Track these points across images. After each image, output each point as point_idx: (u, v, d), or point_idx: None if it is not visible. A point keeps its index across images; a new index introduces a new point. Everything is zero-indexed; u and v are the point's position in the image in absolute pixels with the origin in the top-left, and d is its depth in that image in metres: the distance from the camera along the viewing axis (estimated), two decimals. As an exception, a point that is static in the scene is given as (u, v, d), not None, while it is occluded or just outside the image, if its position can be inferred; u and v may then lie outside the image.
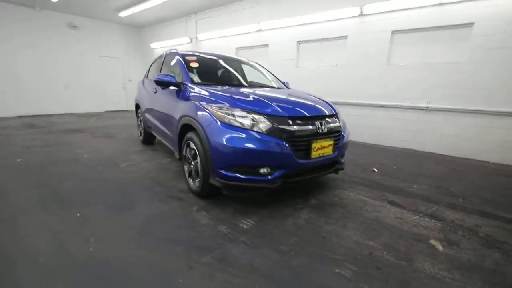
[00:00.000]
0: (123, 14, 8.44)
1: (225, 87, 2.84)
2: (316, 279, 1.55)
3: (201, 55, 3.49)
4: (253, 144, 2.06)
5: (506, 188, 3.16)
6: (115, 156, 3.97)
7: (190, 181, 2.67)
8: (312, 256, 1.76)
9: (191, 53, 3.45)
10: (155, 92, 3.59)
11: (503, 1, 3.86)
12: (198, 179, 2.47)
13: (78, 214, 2.19)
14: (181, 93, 2.83)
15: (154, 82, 3.59)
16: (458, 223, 2.28)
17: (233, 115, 2.14)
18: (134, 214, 2.21)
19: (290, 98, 2.59)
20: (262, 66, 4.04)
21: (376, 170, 3.65)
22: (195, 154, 2.48)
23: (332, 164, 2.61)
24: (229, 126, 2.11)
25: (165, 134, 3.33)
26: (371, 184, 3.11)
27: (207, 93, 2.46)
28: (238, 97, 2.35)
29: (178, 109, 2.77)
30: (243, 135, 2.07)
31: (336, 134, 2.51)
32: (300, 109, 2.34)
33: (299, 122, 2.23)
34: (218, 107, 2.22)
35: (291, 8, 6.13)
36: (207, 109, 2.27)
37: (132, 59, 10.74)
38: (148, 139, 4.66)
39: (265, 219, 2.22)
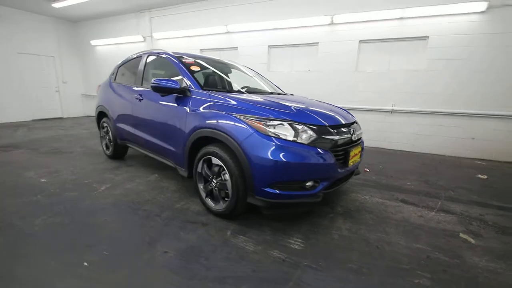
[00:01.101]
0: (58, 4, 7.06)
1: (244, 94, 2.59)
2: (406, 295, 1.49)
3: (191, 57, 3.09)
4: (301, 157, 1.89)
5: (472, 178, 3.71)
6: (84, 177, 3.22)
7: (210, 201, 2.33)
8: (384, 270, 1.69)
9: (185, 54, 3.04)
10: (141, 100, 3.05)
11: (452, 18, 4.58)
12: (227, 199, 2.16)
13: (85, 264, 1.65)
14: (189, 101, 2.44)
15: (140, 89, 3.09)
16: (466, 214, 2.55)
17: (275, 126, 1.93)
18: (162, 252, 1.79)
19: (314, 105, 2.49)
20: (253, 70, 3.86)
21: (368, 170, 3.86)
22: (220, 171, 2.16)
23: (353, 170, 2.62)
24: (273, 139, 1.89)
25: (160, 148, 2.85)
26: (374, 185, 3.26)
27: (234, 102, 2.17)
28: (272, 106, 2.13)
29: (188, 120, 2.38)
30: (291, 148, 1.89)
31: (360, 141, 2.53)
32: (336, 117, 2.27)
33: (338, 130, 2.16)
34: (255, 117, 1.97)
35: (262, 13, 6.08)
36: (241, 119, 2.00)
37: (67, 58, 9.10)
38: (119, 153, 3.96)
39: (310, 236, 2.07)
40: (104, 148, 4.15)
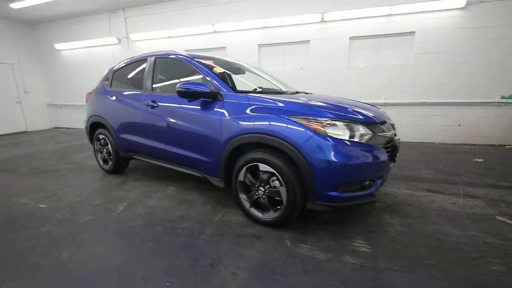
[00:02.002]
0: (17, 5, 6.20)
1: (282, 95, 2.47)
2: (494, 281, 1.51)
3: (203, 58, 2.86)
4: (364, 156, 1.84)
5: (471, 161, 3.99)
6: (90, 197, 2.85)
7: (256, 211, 2.18)
8: (459, 262, 1.71)
9: (200, 56, 2.82)
10: (155, 107, 2.76)
11: (436, 14, 4.88)
12: (279, 207, 2.03)
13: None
14: (222, 106, 2.25)
15: (152, 94, 2.80)
16: (489, 197, 2.71)
17: (332, 127, 1.85)
18: (231, 273, 1.62)
19: (352, 104, 2.45)
20: (262, 71, 3.74)
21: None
22: (269, 179, 2.03)
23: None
24: (335, 140, 1.81)
25: (184, 159, 2.60)
26: (395, 177, 3.34)
27: (281, 104, 2.04)
28: (320, 106, 2.04)
29: (225, 126, 2.20)
30: (352, 148, 1.82)
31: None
32: (379, 114, 2.25)
33: (386, 127, 2.15)
34: (312, 119, 1.87)
35: (250, 11, 5.95)
36: (296, 122, 1.88)
37: (28, 64, 8.09)
38: (121, 167, 3.58)
39: (369, 236, 2.03)
40: (101, 163, 3.72)
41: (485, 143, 5.06)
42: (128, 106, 3.09)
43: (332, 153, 1.78)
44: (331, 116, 1.89)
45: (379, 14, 5.16)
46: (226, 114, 2.20)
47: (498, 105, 4.92)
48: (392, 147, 2.15)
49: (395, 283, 1.52)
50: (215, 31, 6.34)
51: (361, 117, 1.97)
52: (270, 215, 2.10)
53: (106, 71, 3.67)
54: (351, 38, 5.50)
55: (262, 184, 2.09)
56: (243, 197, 2.23)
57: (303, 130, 1.84)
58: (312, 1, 5.50)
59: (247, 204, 2.22)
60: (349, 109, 2.01)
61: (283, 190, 1.96)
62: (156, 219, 2.34)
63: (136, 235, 2.07)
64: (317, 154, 1.79)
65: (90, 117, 3.66)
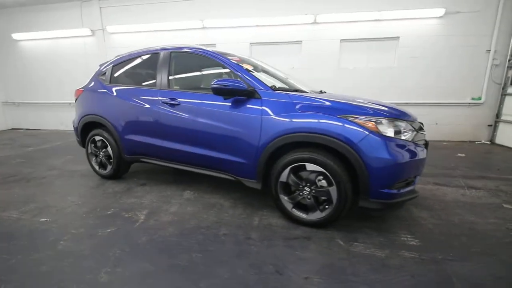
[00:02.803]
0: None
1: (318, 94, 2.45)
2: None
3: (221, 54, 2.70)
4: (413, 154, 1.92)
5: (456, 156, 4.42)
6: (99, 206, 2.52)
7: (298, 212, 2.13)
8: (499, 247, 1.86)
9: (220, 51, 2.67)
10: (176, 105, 2.54)
11: (418, 21, 5.31)
12: (327, 206, 2.01)
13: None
14: (260, 104, 2.16)
15: (171, 91, 2.59)
16: (488, 188, 2.99)
17: (385, 125, 1.89)
18: (303, 278, 1.55)
19: (381, 103, 2.52)
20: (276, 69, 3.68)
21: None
22: (316, 179, 1.99)
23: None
24: (387, 138, 1.85)
25: (213, 161, 2.44)
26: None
27: (328, 102, 2.02)
28: (366, 104, 2.07)
29: (266, 125, 2.10)
30: (404, 146, 1.88)
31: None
32: (411, 113, 2.35)
33: (419, 125, 2.25)
34: (364, 117, 1.88)
35: (242, 8, 5.84)
36: (349, 120, 1.88)
37: (-24, 55, 6.93)
38: (122, 171, 3.25)
39: (410, 229, 2.11)
40: (96, 167, 3.32)
41: (458, 140, 5.65)
42: (137, 104, 2.80)
43: (387, 151, 1.81)
44: (384, 115, 1.93)
45: (368, 18, 5.44)
46: (269, 113, 2.11)
47: (469, 105, 5.52)
48: (425, 144, 2.27)
49: (461, 272, 1.60)
50: (204, 27, 6.10)
51: (408, 116, 2.04)
52: (316, 215, 2.07)
53: (103, 65, 3.30)
54: (342, 40, 5.72)
55: (308, 184, 2.05)
56: (284, 198, 2.16)
57: (358, 128, 1.85)
58: (305, 2, 5.59)
59: (289, 206, 2.16)
60: (395, 108, 2.08)
61: (333, 190, 1.95)
62: (190, 226, 2.16)
63: (177, 246, 1.89)
64: (373, 153, 1.81)
65: (83, 116, 3.25)
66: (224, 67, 2.48)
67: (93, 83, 3.28)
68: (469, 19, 5.12)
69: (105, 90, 3.10)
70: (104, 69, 3.22)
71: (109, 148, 3.12)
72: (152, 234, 2.04)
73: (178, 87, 2.68)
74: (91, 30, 6.58)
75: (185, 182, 3.15)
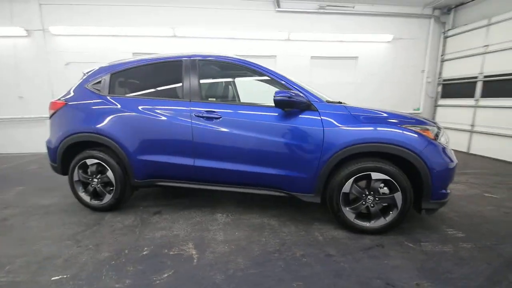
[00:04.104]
0: None
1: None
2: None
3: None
4: (451, 156, 2.18)
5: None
6: (123, 249, 2.01)
7: (360, 222, 2.17)
8: (518, 229, 2.30)
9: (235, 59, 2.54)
10: (212, 118, 2.27)
11: (373, 44, 6.20)
12: (390, 213, 2.11)
13: None
14: (318, 115, 2.15)
15: (210, 104, 2.35)
16: (460, 182, 3.67)
17: (437, 134, 2.13)
18: (414, 285, 1.58)
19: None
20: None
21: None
22: (377, 187, 2.09)
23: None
24: (441, 145, 2.09)
25: (265, 178, 2.28)
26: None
27: (385, 114, 2.16)
28: (408, 115, 2.29)
29: (328, 137, 2.10)
30: (449, 151, 2.15)
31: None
32: None
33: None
34: (423, 127, 2.08)
35: (218, 21, 5.72)
36: (412, 130, 2.05)
37: None
38: (125, 198, 2.68)
39: (447, 223, 2.40)
40: (87, 199, 2.64)
41: (408, 144, 6.72)
42: (157, 118, 2.39)
43: (444, 156, 2.06)
44: (428, 124, 2.17)
45: (334, 39, 6.07)
46: (334, 124, 2.12)
47: (411, 115, 6.67)
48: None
49: (514, 253, 1.90)
50: (175, 36, 5.70)
51: (435, 124, 2.34)
52: (380, 222, 2.14)
53: (91, 72, 2.72)
54: (312, 57, 6.19)
55: (372, 192, 2.11)
56: (346, 209, 2.17)
57: (421, 137, 2.04)
58: (279, 19, 5.86)
59: (351, 216, 2.17)
60: (425, 118, 2.36)
61: (398, 195, 2.06)
62: (257, 253, 1.93)
63: (266, 278, 1.66)
64: (435, 158, 2.02)
65: (69, 136, 2.57)
66: (274, 81, 2.39)
67: (80, 94, 2.65)
68: (409, 45, 6.28)
69: (102, 102, 2.55)
70: (97, 78, 2.65)
71: (109, 173, 2.54)
72: (224, 270, 1.75)
73: (214, 99, 2.43)
74: (26, 30, 5.33)
75: (205, 204, 2.81)
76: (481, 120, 5.40)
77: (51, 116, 2.72)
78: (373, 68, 6.32)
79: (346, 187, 2.12)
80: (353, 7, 5.95)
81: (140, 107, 2.46)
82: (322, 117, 2.15)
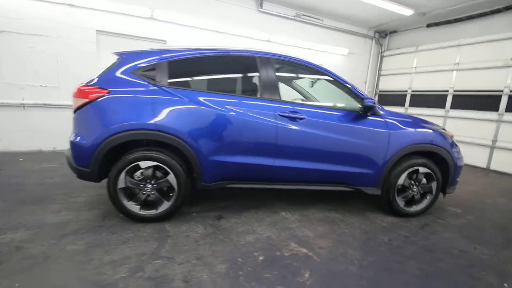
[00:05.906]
0: None
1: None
2: None
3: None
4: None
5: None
6: (228, 259, 1.87)
7: (406, 207, 2.71)
8: None
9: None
10: (296, 118, 2.31)
11: (334, 56, 7.12)
12: (426, 198, 2.73)
13: (511, 284, 1.72)
14: (384, 118, 2.54)
15: (298, 107, 2.43)
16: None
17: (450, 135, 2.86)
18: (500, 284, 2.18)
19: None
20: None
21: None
22: (421, 179, 2.67)
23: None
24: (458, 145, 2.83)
25: (337, 175, 2.51)
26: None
27: (410, 119, 2.75)
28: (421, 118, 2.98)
29: (393, 138, 2.51)
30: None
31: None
32: None
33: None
34: (442, 129, 2.77)
35: (202, 9, 5.34)
36: (441, 132, 2.69)
37: None
38: (183, 204, 2.38)
39: (465, 217, 3.24)
40: (136, 209, 2.19)
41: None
42: (239, 117, 2.25)
43: (460, 154, 2.80)
44: (439, 126, 2.89)
45: (303, 46, 6.65)
46: (398, 127, 2.54)
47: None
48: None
49: None
50: (152, 18, 4.99)
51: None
52: (420, 206, 2.73)
53: (131, 55, 2.26)
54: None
55: (416, 183, 2.67)
56: (399, 198, 2.66)
57: (447, 138, 2.71)
58: (261, 20, 5.98)
59: (401, 203, 2.68)
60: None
61: (434, 184, 2.69)
62: (357, 244, 2.17)
63: (388, 262, 1.93)
64: (457, 155, 2.73)
65: (116, 133, 2.06)
66: (341, 85, 2.61)
67: (125, 82, 2.16)
68: (357, 59, 7.54)
69: (165, 93, 2.17)
70: (147, 63, 2.22)
71: (170, 177, 2.20)
72: (349, 261, 1.92)
73: (293, 100, 2.45)
74: None
75: (257, 205, 2.78)
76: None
77: (81, 107, 2.10)
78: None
79: (401, 180, 2.61)
80: (322, 20, 6.68)
81: (215, 103, 2.24)
82: (386, 120, 2.55)
